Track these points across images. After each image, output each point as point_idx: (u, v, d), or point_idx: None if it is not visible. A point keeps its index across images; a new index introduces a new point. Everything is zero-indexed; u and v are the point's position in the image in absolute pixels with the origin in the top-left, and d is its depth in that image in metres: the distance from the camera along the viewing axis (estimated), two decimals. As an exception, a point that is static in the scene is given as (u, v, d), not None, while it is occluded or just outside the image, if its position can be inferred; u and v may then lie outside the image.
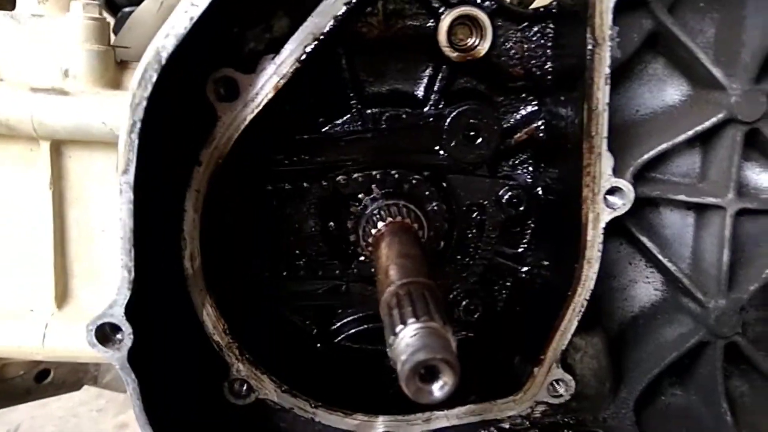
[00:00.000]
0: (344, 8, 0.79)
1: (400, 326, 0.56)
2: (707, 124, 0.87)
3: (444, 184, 0.99)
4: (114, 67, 0.88)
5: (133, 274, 0.69)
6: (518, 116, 1.01)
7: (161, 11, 1.46)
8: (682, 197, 0.92)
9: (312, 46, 0.80)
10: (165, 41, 0.64)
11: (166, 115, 0.72)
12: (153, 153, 0.70)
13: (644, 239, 0.95)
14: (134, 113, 0.64)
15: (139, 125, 0.65)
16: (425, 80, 0.99)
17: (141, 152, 0.67)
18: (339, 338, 1.06)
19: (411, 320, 0.56)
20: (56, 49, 0.85)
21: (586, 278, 0.89)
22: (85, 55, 0.85)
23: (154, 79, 0.64)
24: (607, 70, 0.81)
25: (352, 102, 0.95)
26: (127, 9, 1.61)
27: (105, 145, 0.86)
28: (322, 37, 0.80)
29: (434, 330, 0.54)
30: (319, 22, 0.79)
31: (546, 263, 1.01)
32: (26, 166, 0.88)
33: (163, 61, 0.64)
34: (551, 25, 0.92)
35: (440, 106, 0.97)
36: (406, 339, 0.54)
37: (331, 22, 0.79)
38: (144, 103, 0.65)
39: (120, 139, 0.66)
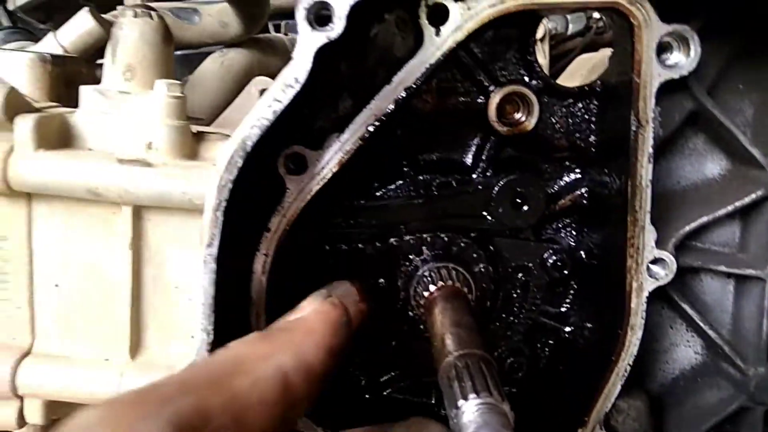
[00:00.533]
0: (405, 93, 0.86)
1: (462, 401, 0.61)
2: (746, 200, 0.91)
3: (491, 247, 1.04)
4: (191, 139, 0.96)
5: (212, 336, 0.76)
6: (562, 183, 1.05)
7: (221, 70, 1.57)
8: (722, 268, 0.95)
9: (374, 126, 0.87)
10: (250, 131, 0.71)
11: (244, 190, 0.79)
12: (232, 225, 0.78)
13: (685, 306, 0.99)
14: (220, 194, 0.72)
15: (224, 204, 0.73)
16: (474, 149, 1.04)
17: (224, 226, 0.74)
18: (387, 390, 1.11)
19: (471, 395, 0.61)
20: (140, 124, 0.93)
21: (629, 344, 0.93)
22: (166, 130, 0.93)
23: (240, 164, 0.72)
24: (651, 150, 0.86)
25: (405, 169, 1.01)
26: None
27: (181, 209, 0.94)
28: (383, 118, 0.87)
29: (494, 406, 0.59)
30: (381, 104, 0.86)
31: (589, 325, 1.05)
32: (108, 227, 0.96)
33: (249, 149, 0.72)
34: (595, 102, 0.98)
35: (488, 174, 1.02)
36: (468, 414, 0.59)
37: (392, 105, 0.86)
38: (230, 185, 0.72)
39: (205, 216, 0.74)
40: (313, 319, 0.69)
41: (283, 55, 1.80)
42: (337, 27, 0.71)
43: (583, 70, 1.52)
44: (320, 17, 0.70)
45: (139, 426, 0.46)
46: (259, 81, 1.45)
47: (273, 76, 1.80)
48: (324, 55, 0.73)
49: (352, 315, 0.76)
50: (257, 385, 0.55)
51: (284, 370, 0.58)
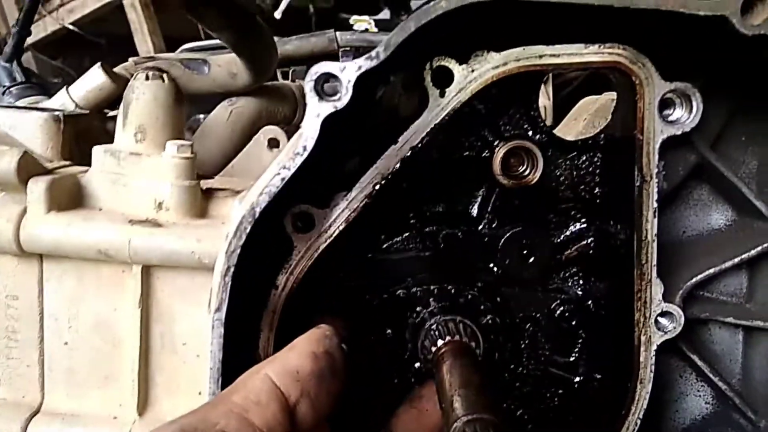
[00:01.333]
0: (410, 152, 0.87)
1: (471, 469, 0.61)
2: (753, 252, 0.91)
3: (498, 298, 1.04)
4: (201, 197, 0.97)
5: (220, 401, 0.76)
6: (568, 233, 1.05)
7: (230, 119, 1.60)
8: (730, 319, 0.95)
9: (380, 184, 0.88)
10: (259, 198, 0.73)
11: (252, 252, 0.80)
12: (239, 287, 0.78)
13: (694, 357, 0.98)
14: (229, 259, 0.73)
15: (233, 269, 0.74)
16: (479, 200, 1.04)
17: (232, 290, 0.75)
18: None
19: (481, 464, 0.61)
20: (151, 184, 0.95)
21: (639, 398, 0.92)
22: (177, 190, 0.94)
23: (248, 230, 0.73)
24: (655, 205, 0.87)
25: (411, 221, 1.02)
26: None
27: (190, 267, 0.95)
28: (389, 176, 0.88)
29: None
30: (387, 163, 0.87)
31: (598, 376, 1.04)
32: (117, 286, 0.97)
33: (257, 215, 0.73)
34: (599, 155, 0.99)
35: (494, 225, 1.02)
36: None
37: (398, 164, 0.87)
38: (238, 251, 0.73)
39: (214, 280, 0.74)
40: (293, 342, 0.76)
41: (291, 102, 1.83)
42: (344, 98, 0.72)
43: (586, 114, 1.54)
44: (328, 88, 0.72)
45: None
46: (269, 130, 1.47)
47: (281, 122, 1.83)
48: (331, 122, 0.74)
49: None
50: (250, 392, 0.64)
51: (270, 375, 0.66)
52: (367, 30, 4.38)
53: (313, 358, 0.70)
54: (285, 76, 2.09)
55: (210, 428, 0.58)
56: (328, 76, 0.72)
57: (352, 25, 4.34)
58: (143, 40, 5.63)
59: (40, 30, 5.75)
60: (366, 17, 4.32)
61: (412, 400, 0.94)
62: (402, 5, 4.27)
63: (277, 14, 3.95)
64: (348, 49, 2.20)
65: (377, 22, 4.30)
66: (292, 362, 0.69)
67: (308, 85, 0.71)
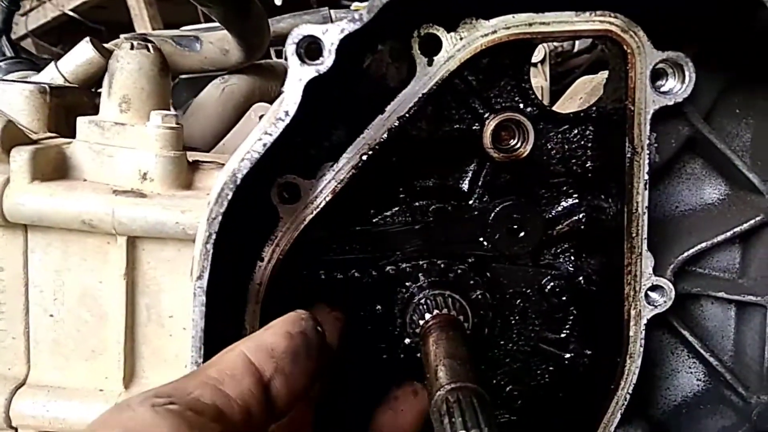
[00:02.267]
0: (398, 122, 0.86)
1: (452, 437, 0.60)
2: (745, 226, 0.90)
3: (488, 273, 1.03)
4: (186, 169, 0.96)
5: (202, 369, 0.75)
6: (560, 208, 1.04)
7: (222, 97, 1.59)
8: (722, 294, 0.94)
9: (367, 154, 0.87)
10: (240, 164, 0.71)
11: (236, 221, 0.79)
12: (222, 256, 0.77)
13: (686, 332, 0.97)
14: (210, 226, 0.72)
15: (214, 236, 0.72)
16: (470, 175, 1.03)
17: (214, 259, 0.74)
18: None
19: (462, 432, 0.60)
20: (135, 155, 0.94)
21: (628, 372, 0.91)
22: (162, 161, 0.93)
23: (230, 197, 0.72)
24: (646, 177, 0.86)
25: (401, 195, 1.01)
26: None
27: (176, 239, 0.94)
28: (377, 146, 0.86)
29: (484, 443, 0.58)
30: (375, 133, 0.86)
31: (588, 352, 1.03)
32: (103, 257, 0.96)
33: (239, 182, 0.72)
34: (591, 128, 0.97)
35: (485, 199, 1.01)
36: (459, 451, 0.58)
37: (386, 135, 0.86)
38: (219, 218, 0.72)
39: (196, 248, 0.73)
40: (270, 323, 0.76)
41: (283, 80, 1.80)
42: (326, 61, 0.71)
43: (582, 93, 1.52)
44: (310, 51, 0.70)
45: (123, 405, 0.57)
46: (260, 107, 1.46)
47: (274, 101, 1.82)
48: (314, 87, 0.73)
49: (326, 326, 0.83)
50: (225, 366, 0.65)
51: (245, 352, 0.67)
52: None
53: (288, 337, 0.71)
54: (279, 55, 2.07)
55: (184, 396, 0.59)
56: (310, 39, 0.70)
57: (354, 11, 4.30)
58: (143, 26, 5.59)
59: (40, 16, 5.72)
60: (365, 3, 4.28)
61: (388, 401, 0.95)
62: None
63: (278, 1, 3.92)
64: (342, 27, 2.16)
65: (376, 7, 4.25)
66: (268, 340, 0.70)
67: (290, 48, 0.70)
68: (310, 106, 0.75)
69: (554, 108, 1.47)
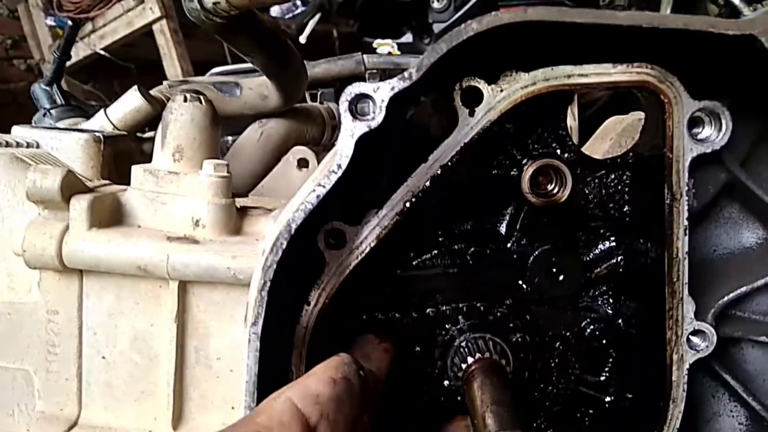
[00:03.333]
0: (440, 170, 0.89)
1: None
2: (784, 271, 0.91)
3: (527, 316, 1.04)
4: (235, 215, 1.00)
5: (255, 413, 0.77)
6: (598, 251, 1.05)
7: (261, 140, 1.64)
8: (763, 338, 0.94)
9: (410, 201, 0.89)
10: (295, 215, 0.75)
11: (286, 268, 0.82)
12: (274, 302, 0.80)
13: (727, 377, 0.97)
14: (266, 274, 0.75)
15: (269, 284, 0.76)
16: (508, 218, 1.05)
17: (267, 305, 0.77)
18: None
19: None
20: (188, 202, 0.98)
21: (672, 417, 0.92)
22: (213, 208, 0.97)
23: (285, 246, 0.75)
24: (686, 223, 0.87)
25: (440, 239, 1.03)
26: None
27: (225, 283, 0.97)
28: (420, 194, 0.89)
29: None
30: (418, 181, 0.89)
31: (629, 396, 1.03)
32: (155, 301, 1.00)
33: (293, 232, 0.75)
34: (628, 173, 0.99)
35: (523, 242, 1.03)
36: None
37: (428, 182, 0.89)
38: (275, 266, 0.75)
39: (251, 295, 0.76)
40: (314, 369, 0.79)
41: (319, 123, 1.87)
42: (377, 117, 0.75)
43: (613, 134, 1.54)
44: (362, 108, 0.74)
45: None
46: (298, 150, 1.51)
47: (309, 143, 1.87)
48: (365, 142, 0.76)
49: (374, 357, 0.88)
50: (273, 413, 0.67)
51: (292, 399, 0.70)
52: (390, 53, 4.43)
53: (331, 383, 0.74)
54: (314, 98, 2.13)
55: None
56: (362, 97, 0.74)
57: (375, 49, 4.40)
58: (172, 65, 5.76)
59: (72, 55, 5.92)
60: (389, 41, 4.38)
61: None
62: (425, 29, 4.32)
63: (302, 39, 4.02)
64: (375, 71, 2.24)
65: (400, 46, 4.36)
66: (312, 387, 0.73)
67: (343, 105, 0.73)
68: (360, 158, 0.78)
69: (585, 147, 1.50)
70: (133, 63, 6.34)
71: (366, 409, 0.77)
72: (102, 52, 5.94)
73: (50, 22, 6.21)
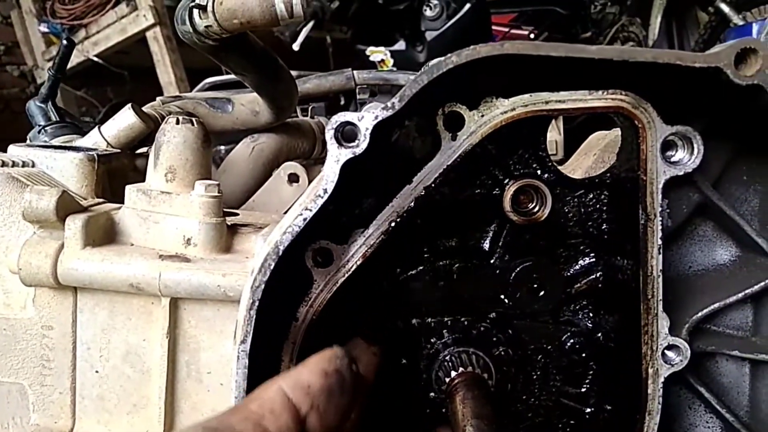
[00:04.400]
0: (424, 191, 0.92)
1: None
2: (756, 288, 0.94)
3: (510, 330, 1.07)
4: (226, 234, 1.03)
5: (244, 428, 0.80)
6: (578, 267, 1.09)
7: (252, 155, 1.67)
8: (736, 353, 0.98)
9: (395, 221, 0.93)
10: (282, 237, 0.78)
11: (274, 286, 0.85)
12: (262, 319, 0.83)
13: (702, 389, 1.01)
14: (254, 294, 0.78)
15: (257, 303, 0.79)
16: (491, 235, 1.09)
17: (256, 323, 0.80)
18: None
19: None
20: (180, 221, 1.01)
21: (648, 429, 0.95)
22: (204, 227, 1.00)
23: (272, 267, 0.78)
24: (660, 242, 0.91)
25: (425, 255, 1.06)
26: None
27: (216, 300, 1.00)
28: (404, 214, 0.93)
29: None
30: (402, 202, 0.92)
31: (608, 407, 1.07)
32: (147, 317, 1.02)
33: (281, 253, 0.78)
34: (605, 193, 1.03)
35: (506, 258, 1.06)
36: None
37: (413, 203, 0.92)
38: (263, 286, 0.78)
39: (239, 314, 0.79)
40: (306, 360, 0.80)
41: (310, 137, 1.90)
42: (362, 144, 0.78)
43: (597, 150, 1.58)
44: (347, 135, 0.77)
45: None
46: (289, 166, 1.54)
47: (300, 157, 1.90)
48: (350, 167, 0.80)
49: (363, 359, 0.90)
50: (265, 401, 0.69)
51: (284, 388, 0.71)
52: (383, 61, 4.48)
53: (323, 375, 0.75)
54: (305, 113, 2.17)
55: (228, 430, 0.64)
56: (347, 125, 0.77)
57: (369, 56, 4.44)
58: (165, 72, 5.78)
59: (66, 63, 5.93)
60: (382, 48, 4.43)
61: None
62: (417, 37, 4.37)
63: (296, 46, 4.05)
64: (365, 86, 2.28)
65: (393, 53, 4.41)
66: (305, 377, 0.74)
67: (329, 132, 0.77)
68: (345, 182, 0.82)
69: (569, 163, 1.54)
70: (126, 70, 6.36)
71: (355, 405, 0.79)
72: (95, 59, 5.95)
73: (43, 28, 6.22)
